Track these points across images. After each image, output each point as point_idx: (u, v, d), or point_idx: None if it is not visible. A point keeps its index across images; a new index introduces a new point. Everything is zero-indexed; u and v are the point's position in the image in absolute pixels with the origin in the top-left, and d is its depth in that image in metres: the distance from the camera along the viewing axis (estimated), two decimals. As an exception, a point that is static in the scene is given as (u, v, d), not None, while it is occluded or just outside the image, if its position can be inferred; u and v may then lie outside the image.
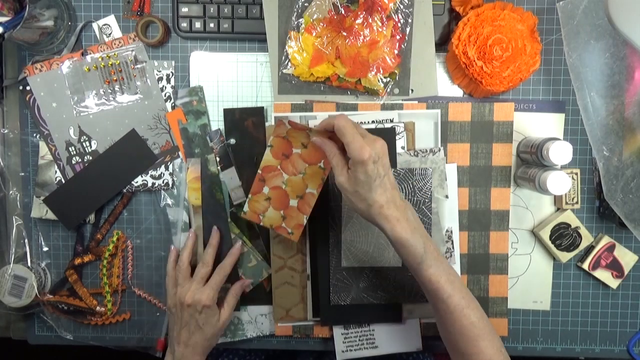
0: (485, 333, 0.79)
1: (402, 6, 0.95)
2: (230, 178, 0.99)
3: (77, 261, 1.02)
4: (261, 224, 0.94)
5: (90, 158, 1.00)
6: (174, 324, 0.92)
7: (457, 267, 0.99)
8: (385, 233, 0.78)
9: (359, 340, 0.99)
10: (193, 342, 0.91)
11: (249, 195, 0.93)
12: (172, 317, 0.93)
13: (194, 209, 0.99)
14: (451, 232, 0.98)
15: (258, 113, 0.99)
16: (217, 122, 1.00)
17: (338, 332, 0.99)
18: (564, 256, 0.99)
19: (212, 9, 0.97)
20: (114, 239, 1.01)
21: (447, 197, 0.97)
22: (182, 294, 0.91)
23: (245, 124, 0.99)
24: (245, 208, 0.94)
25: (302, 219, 0.91)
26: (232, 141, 0.99)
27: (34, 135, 1.01)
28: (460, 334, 0.79)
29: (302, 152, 0.90)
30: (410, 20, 0.96)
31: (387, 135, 0.96)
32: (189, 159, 0.99)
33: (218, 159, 0.99)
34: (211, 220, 0.99)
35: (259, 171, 0.92)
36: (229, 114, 0.99)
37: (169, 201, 1.01)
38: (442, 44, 0.98)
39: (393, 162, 0.96)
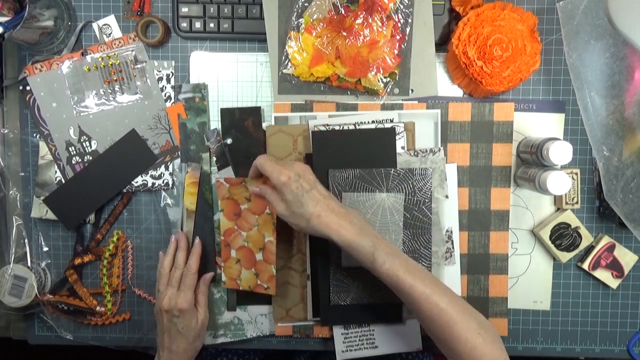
0: (458, 318, 0.79)
1: (402, 6, 0.95)
2: None
3: (77, 261, 1.02)
4: (240, 288, 0.97)
5: (90, 158, 1.00)
6: (159, 330, 0.94)
7: (457, 267, 0.99)
8: (332, 240, 0.81)
9: (359, 340, 0.99)
10: (176, 347, 0.92)
11: (222, 264, 0.97)
12: (157, 323, 0.95)
13: (187, 213, 0.99)
14: (451, 232, 0.98)
15: (255, 113, 0.99)
16: (216, 122, 1.00)
17: (338, 332, 0.99)
18: (564, 256, 0.99)
19: (212, 9, 0.97)
20: (114, 239, 1.01)
21: (447, 197, 0.97)
22: (160, 300, 0.93)
23: (245, 123, 0.99)
24: (223, 278, 0.98)
25: (271, 269, 0.93)
26: (229, 141, 0.99)
27: (34, 135, 1.01)
28: (431, 321, 0.80)
29: (249, 206, 0.93)
30: (410, 20, 0.96)
31: (387, 135, 0.96)
32: (189, 162, 0.99)
33: (215, 158, 0.99)
34: (199, 221, 1.00)
35: (222, 237, 0.96)
36: (226, 113, 0.99)
37: (169, 201, 1.01)
38: (442, 44, 0.98)
39: (393, 162, 0.96)
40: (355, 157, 0.96)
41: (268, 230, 0.92)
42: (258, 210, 0.92)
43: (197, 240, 0.98)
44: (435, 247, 0.97)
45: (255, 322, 1.02)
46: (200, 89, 0.99)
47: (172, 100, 1.00)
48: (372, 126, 0.97)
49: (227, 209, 0.95)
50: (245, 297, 1.01)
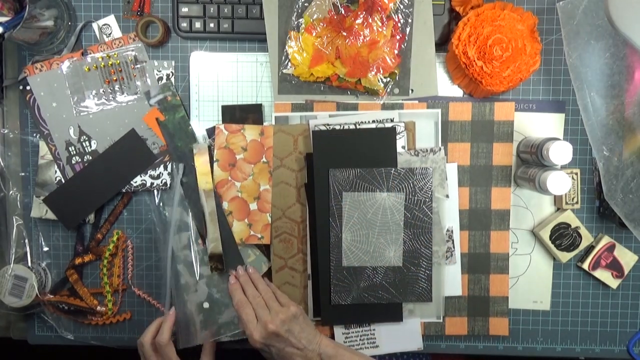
0: None
1: (402, 6, 0.95)
2: None
3: (78, 261, 1.02)
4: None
5: (90, 158, 1.00)
6: None
7: (457, 267, 0.99)
8: None
9: (360, 339, 0.99)
10: None
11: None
12: None
13: (205, 194, 0.98)
14: (452, 231, 0.98)
15: (256, 110, 0.99)
16: (216, 121, 1.00)
17: (339, 331, 0.99)
18: (564, 256, 0.99)
19: (212, 9, 0.97)
20: (114, 238, 1.01)
21: (447, 196, 0.97)
22: None
23: (245, 121, 0.99)
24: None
25: (266, 218, 0.94)
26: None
27: (34, 135, 1.01)
28: None
29: (244, 156, 0.95)
30: (410, 20, 0.96)
31: (387, 134, 0.96)
32: (195, 144, 0.99)
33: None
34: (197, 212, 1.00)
35: (215, 189, 0.96)
36: (227, 110, 0.99)
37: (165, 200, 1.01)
38: (442, 44, 0.98)
39: (393, 162, 0.96)
40: (356, 157, 0.96)
41: (264, 178, 0.94)
42: (254, 160, 0.94)
43: (172, 310, 0.98)
44: (435, 247, 0.97)
45: None
46: (168, 86, 0.99)
47: (147, 101, 1.00)
48: (373, 126, 0.97)
49: (222, 159, 0.96)
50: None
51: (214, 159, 0.97)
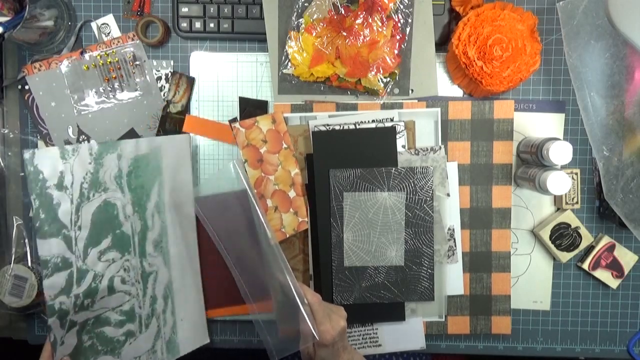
0: None
1: (402, 6, 0.95)
2: None
3: (77, 261, 1.01)
4: (288, 236, 0.96)
5: (90, 158, 1.00)
6: None
7: (459, 266, 0.99)
8: None
9: (363, 339, 0.99)
10: None
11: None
12: None
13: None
14: (453, 230, 0.98)
15: (262, 106, 1.00)
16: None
17: (340, 331, 0.99)
18: (564, 256, 0.99)
19: (212, 9, 0.97)
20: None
21: (448, 195, 0.97)
22: None
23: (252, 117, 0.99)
24: (270, 234, 0.91)
25: (304, 200, 0.96)
26: None
27: (34, 135, 1.01)
28: None
29: (267, 148, 0.94)
30: (410, 20, 0.96)
31: (387, 134, 0.96)
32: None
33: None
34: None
35: (254, 191, 0.94)
36: (243, 102, 1.00)
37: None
38: (442, 44, 0.98)
39: (394, 161, 0.96)
40: (356, 157, 0.96)
41: (291, 164, 0.95)
42: (276, 149, 0.95)
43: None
44: (437, 246, 0.97)
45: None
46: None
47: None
48: (373, 125, 0.97)
49: (250, 157, 0.95)
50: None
51: (243, 160, 0.95)
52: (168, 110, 0.99)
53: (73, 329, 0.83)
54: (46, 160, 0.79)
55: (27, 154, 0.77)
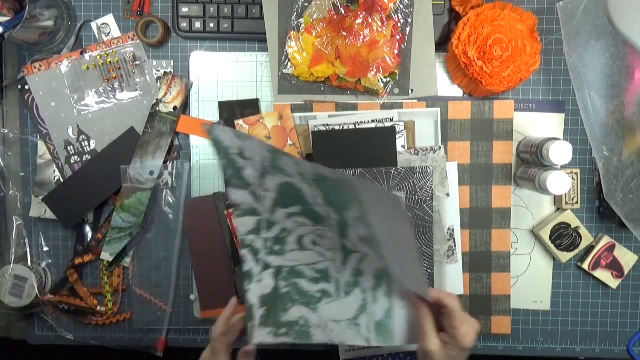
0: None
1: (402, 6, 0.95)
2: None
3: (78, 261, 1.01)
4: None
5: (89, 157, 1.00)
6: None
7: (459, 266, 0.99)
8: None
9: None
10: None
11: None
12: None
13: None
14: (453, 230, 0.98)
15: (253, 105, 0.99)
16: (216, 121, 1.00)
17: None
18: (564, 256, 0.99)
19: (212, 9, 0.97)
20: (114, 238, 1.01)
21: (448, 195, 0.97)
22: None
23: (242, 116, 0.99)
24: None
25: None
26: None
27: (34, 135, 1.01)
28: None
29: (271, 144, 0.93)
30: (410, 20, 0.96)
31: (387, 134, 0.96)
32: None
33: None
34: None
35: None
36: (224, 107, 0.99)
37: (170, 200, 1.01)
38: (442, 44, 0.98)
39: (394, 161, 0.96)
40: (356, 157, 0.96)
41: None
42: (280, 145, 0.93)
43: (233, 299, 0.84)
44: (437, 246, 0.97)
45: (326, 327, 0.85)
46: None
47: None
48: (372, 125, 0.97)
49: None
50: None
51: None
52: (157, 109, 0.99)
53: (268, 270, 0.81)
54: (225, 135, 0.74)
55: (206, 126, 0.74)
